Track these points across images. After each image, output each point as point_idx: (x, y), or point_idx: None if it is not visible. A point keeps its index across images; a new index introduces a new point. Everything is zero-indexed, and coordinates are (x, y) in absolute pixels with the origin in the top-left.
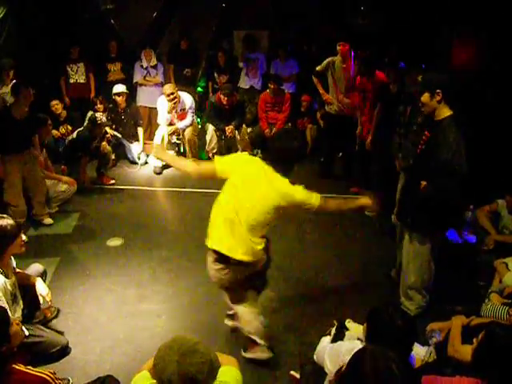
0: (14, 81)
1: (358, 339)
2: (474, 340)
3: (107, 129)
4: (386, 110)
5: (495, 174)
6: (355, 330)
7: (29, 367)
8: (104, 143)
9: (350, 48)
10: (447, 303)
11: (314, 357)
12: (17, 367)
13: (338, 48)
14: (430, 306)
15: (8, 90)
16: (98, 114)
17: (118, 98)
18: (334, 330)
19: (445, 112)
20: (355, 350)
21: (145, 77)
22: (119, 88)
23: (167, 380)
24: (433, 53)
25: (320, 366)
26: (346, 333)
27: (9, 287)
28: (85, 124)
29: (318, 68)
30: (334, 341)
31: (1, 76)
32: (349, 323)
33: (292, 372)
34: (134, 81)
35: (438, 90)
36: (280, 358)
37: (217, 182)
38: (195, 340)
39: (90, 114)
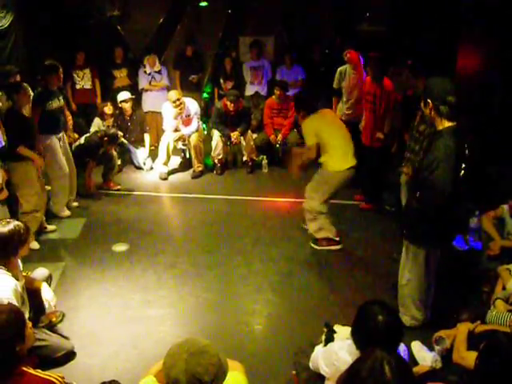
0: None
1: (348, 339)
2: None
3: None
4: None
5: (500, 180)
6: (343, 332)
7: (38, 370)
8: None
9: (358, 54)
10: (453, 311)
11: (310, 364)
12: (26, 370)
13: (347, 56)
14: (435, 314)
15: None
16: (119, 133)
17: (126, 105)
18: (323, 336)
19: (443, 123)
20: (346, 345)
21: (150, 82)
22: (124, 95)
23: (174, 378)
24: (438, 60)
25: (316, 373)
26: (335, 335)
27: (19, 289)
28: (91, 130)
29: (334, 85)
30: (325, 344)
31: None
32: (337, 327)
33: (294, 372)
34: (140, 87)
35: (428, 100)
36: (279, 366)
37: (219, 189)
38: (207, 342)
39: (99, 123)
